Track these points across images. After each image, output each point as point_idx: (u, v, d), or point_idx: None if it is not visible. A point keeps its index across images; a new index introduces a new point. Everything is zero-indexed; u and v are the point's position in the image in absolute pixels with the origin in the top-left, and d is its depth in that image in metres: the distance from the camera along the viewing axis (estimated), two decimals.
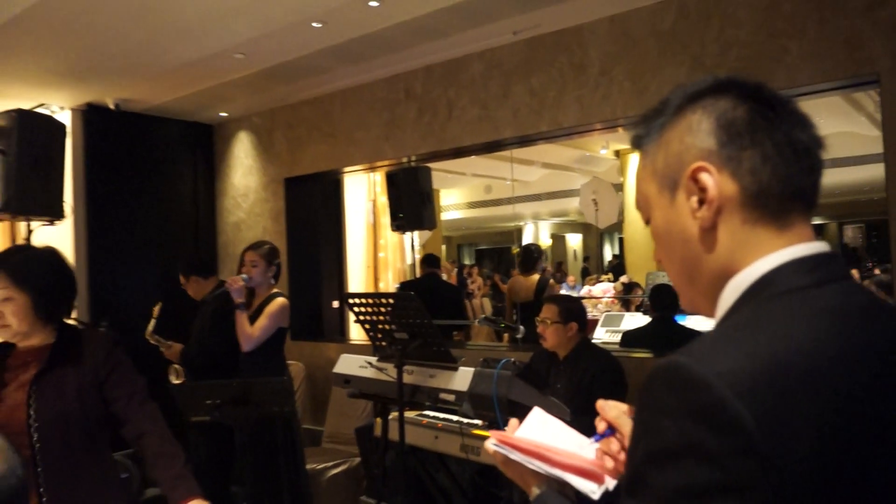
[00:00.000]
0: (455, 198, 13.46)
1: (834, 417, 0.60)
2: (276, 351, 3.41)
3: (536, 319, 3.20)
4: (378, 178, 5.92)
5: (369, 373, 2.91)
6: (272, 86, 4.83)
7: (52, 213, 3.63)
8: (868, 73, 2.93)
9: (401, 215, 4.67)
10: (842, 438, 0.60)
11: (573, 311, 3.15)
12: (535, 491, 0.94)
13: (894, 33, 2.83)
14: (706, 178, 0.71)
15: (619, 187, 9.07)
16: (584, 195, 4.42)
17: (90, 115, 5.02)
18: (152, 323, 3.53)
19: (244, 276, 3.35)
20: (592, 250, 11.05)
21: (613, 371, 3.06)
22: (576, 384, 3.04)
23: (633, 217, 9.21)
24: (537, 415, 1.07)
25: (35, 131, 3.50)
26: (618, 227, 9.22)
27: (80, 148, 4.96)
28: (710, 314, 0.76)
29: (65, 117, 4.77)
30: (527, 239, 13.37)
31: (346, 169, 5.19)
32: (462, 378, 2.38)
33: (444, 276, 6.08)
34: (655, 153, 0.77)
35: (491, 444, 1.00)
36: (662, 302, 3.98)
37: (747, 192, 0.71)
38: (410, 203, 4.64)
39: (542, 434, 1.03)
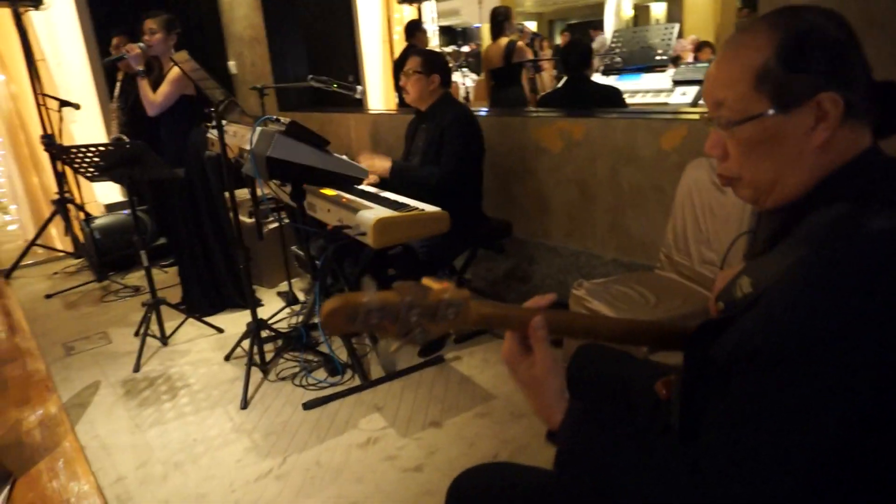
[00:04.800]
0: None
1: None
2: (183, 115, 3.44)
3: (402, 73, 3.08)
4: None
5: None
6: None
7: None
8: None
9: None
10: None
11: (436, 63, 3.03)
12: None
13: None
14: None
15: None
16: None
17: None
18: None
19: (141, 44, 3.34)
20: (676, 17, 10.24)
21: (464, 122, 2.97)
22: (430, 137, 3.02)
23: None
24: None
25: None
26: None
27: None
28: None
29: None
30: (609, 10, 12.21)
31: None
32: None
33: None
34: None
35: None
36: (572, 62, 3.67)
37: None
38: None
39: None
